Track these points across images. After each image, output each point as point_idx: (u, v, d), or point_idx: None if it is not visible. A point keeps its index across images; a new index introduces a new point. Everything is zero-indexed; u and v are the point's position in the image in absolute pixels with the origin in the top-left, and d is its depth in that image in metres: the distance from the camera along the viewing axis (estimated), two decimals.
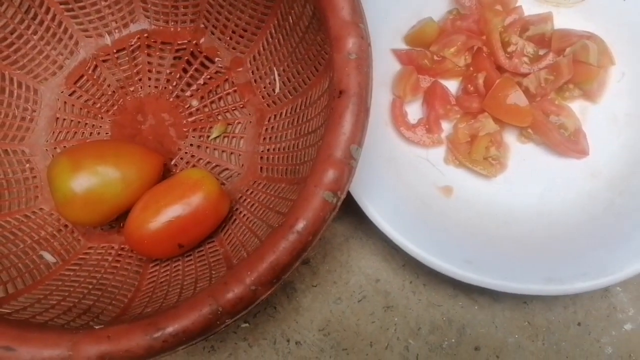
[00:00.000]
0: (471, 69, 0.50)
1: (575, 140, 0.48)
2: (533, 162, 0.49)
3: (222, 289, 0.34)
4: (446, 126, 0.50)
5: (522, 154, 0.49)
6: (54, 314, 0.39)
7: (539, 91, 0.48)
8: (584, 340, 0.45)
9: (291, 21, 0.45)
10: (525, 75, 0.49)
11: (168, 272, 0.45)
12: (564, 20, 0.51)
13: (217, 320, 0.34)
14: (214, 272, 0.42)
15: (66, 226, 0.48)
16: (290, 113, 0.47)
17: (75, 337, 0.34)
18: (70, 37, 0.52)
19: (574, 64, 0.48)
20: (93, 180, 0.43)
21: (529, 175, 0.48)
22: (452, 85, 0.51)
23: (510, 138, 0.49)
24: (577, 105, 0.50)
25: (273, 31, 0.48)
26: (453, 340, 0.46)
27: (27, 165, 0.50)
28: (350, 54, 0.37)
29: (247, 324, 0.47)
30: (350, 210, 0.45)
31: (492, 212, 0.47)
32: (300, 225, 0.35)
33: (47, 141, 0.51)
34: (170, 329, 0.34)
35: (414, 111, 0.50)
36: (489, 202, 0.47)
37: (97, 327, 0.35)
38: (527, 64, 0.49)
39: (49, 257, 0.46)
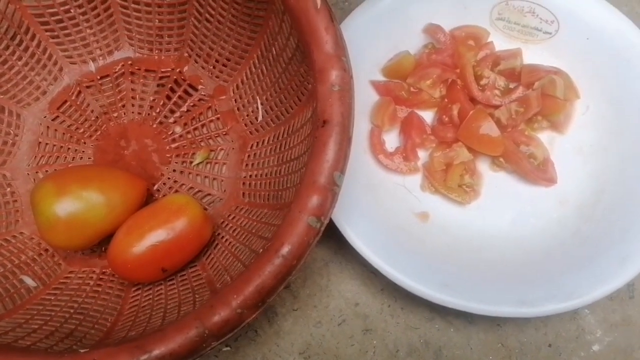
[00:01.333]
0: (446, 100, 0.52)
1: (544, 169, 0.50)
2: (504, 190, 0.51)
3: (208, 312, 0.35)
4: (422, 154, 0.52)
5: (494, 181, 0.51)
6: (36, 338, 0.39)
7: (509, 122, 0.50)
8: None
9: (274, 52, 0.47)
10: (496, 107, 0.51)
11: (150, 296, 0.45)
12: (531, 55, 0.54)
13: (203, 343, 0.35)
14: (197, 296, 0.43)
15: (47, 250, 0.48)
16: (273, 140, 0.49)
17: None
18: (55, 64, 0.52)
19: (542, 97, 0.50)
20: (77, 205, 0.43)
21: (501, 202, 0.50)
22: (427, 116, 0.53)
23: (483, 166, 0.52)
24: (545, 136, 0.52)
25: (256, 61, 0.50)
26: None
27: (8, 189, 0.50)
28: (333, 85, 0.39)
29: (228, 348, 0.48)
30: (330, 235, 0.46)
31: (466, 237, 0.49)
32: (285, 249, 0.36)
33: (28, 165, 0.51)
34: (156, 352, 0.34)
35: (392, 140, 0.52)
36: (463, 228, 0.49)
37: (82, 351, 0.35)
38: (499, 97, 0.51)
39: (29, 282, 0.46)
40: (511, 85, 0.52)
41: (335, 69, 0.39)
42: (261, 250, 0.39)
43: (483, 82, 0.51)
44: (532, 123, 0.52)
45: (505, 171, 0.51)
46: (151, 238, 0.43)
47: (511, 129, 0.51)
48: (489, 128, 0.49)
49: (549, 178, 0.50)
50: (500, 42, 0.54)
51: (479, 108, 0.50)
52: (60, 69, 0.53)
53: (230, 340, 0.48)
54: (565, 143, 0.52)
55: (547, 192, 0.51)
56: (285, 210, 0.42)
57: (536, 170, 0.50)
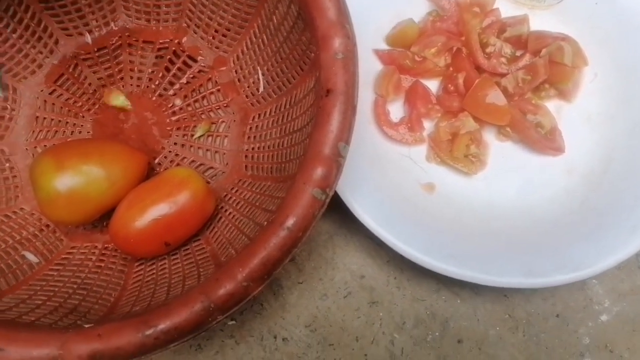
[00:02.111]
0: (451, 69, 0.51)
1: (552, 138, 0.49)
2: (511, 160, 0.50)
3: (213, 286, 0.35)
4: (427, 125, 0.51)
5: (500, 151, 0.50)
6: (40, 313, 0.39)
7: (516, 91, 0.49)
8: (563, 331, 0.47)
9: (275, 21, 0.46)
10: (503, 75, 0.50)
11: (154, 271, 0.45)
12: (539, 22, 0.52)
13: (209, 317, 0.35)
14: (202, 270, 0.42)
15: (48, 226, 0.48)
16: (275, 112, 0.48)
17: (64, 336, 0.34)
18: (50, 36, 0.51)
19: (549, 64, 0.49)
20: (77, 179, 0.43)
21: (508, 172, 0.50)
22: (432, 85, 0.52)
23: (489, 136, 0.51)
24: (552, 105, 0.51)
25: (257, 31, 0.48)
26: (437, 334, 0.47)
27: (7, 164, 0.49)
28: (337, 53, 0.38)
29: (233, 322, 0.48)
30: (334, 208, 0.45)
31: (473, 208, 0.48)
32: (290, 221, 0.35)
33: (27, 140, 0.50)
34: (162, 326, 0.34)
35: (396, 110, 0.51)
36: (469, 199, 0.48)
37: (86, 326, 0.35)
38: (505, 65, 0.50)
39: (31, 257, 0.45)
40: (517, 53, 0.51)
41: (339, 36, 0.38)
42: (265, 223, 0.39)
43: (489, 49, 0.50)
44: (539, 91, 0.51)
45: (512, 141, 0.51)
46: (153, 212, 0.42)
47: (518, 97, 0.50)
48: (495, 97, 0.48)
49: (556, 147, 0.49)
50: (506, 9, 0.53)
51: (485, 76, 0.49)
52: (56, 42, 0.52)
53: (235, 314, 0.48)
54: (572, 111, 0.51)
55: (554, 162, 0.50)
56: (290, 182, 0.41)
57: (544, 140, 0.49)
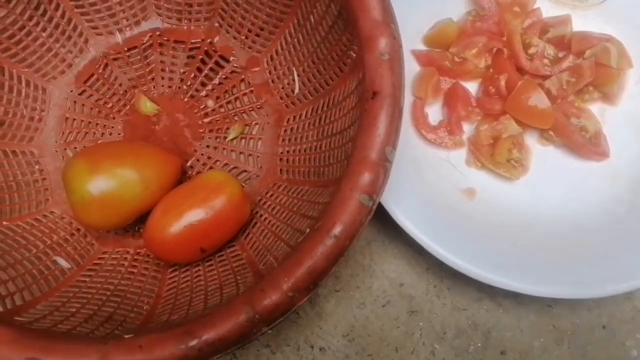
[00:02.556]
0: (492, 70, 0.49)
1: (597, 142, 0.48)
2: (554, 165, 0.49)
3: (258, 296, 0.33)
4: (467, 128, 0.49)
5: (543, 156, 0.49)
6: (75, 322, 0.38)
7: (560, 93, 0.48)
8: (610, 343, 0.45)
9: (313, 20, 0.45)
10: (546, 77, 0.48)
11: (189, 278, 0.43)
12: (581, 22, 0.51)
13: (253, 328, 0.33)
14: (239, 278, 0.41)
15: (78, 230, 0.47)
16: (311, 114, 0.46)
17: (104, 347, 0.33)
18: (80, 35, 0.50)
19: (594, 66, 0.48)
20: (111, 183, 0.41)
21: (551, 177, 0.48)
22: (472, 87, 0.50)
23: (531, 140, 0.49)
24: (596, 108, 0.50)
25: (292, 30, 0.47)
26: (479, 345, 0.45)
27: (37, 166, 0.48)
28: (382, 54, 0.37)
29: (270, 330, 0.46)
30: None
31: (515, 214, 0.46)
32: (337, 229, 0.34)
33: (56, 142, 0.49)
34: (205, 337, 0.32)
35: (435, 113, 0.50)
36: (512, 204, 0.47)
37: (127, 337, 0.34)
38: (548, 66, 0.48)
39: (63, 263, 0.44)
40: (560, 55, 0.50)
41: (384, 36, 0.37)
42: (308, 230, 0.37)
43: (531, 50, 0.49)
44: (582, 94, 0.49)
45: (555, 145, 0.49)
46: (189, 217, 0.41)
47: (561, 100, 0.49)
48: (538, 99, 0.47)
49: (601, 152, 0.48)
50: (546, 9, 0.51)
51: (527, 78, 0.48)
52: (86, 41, 0.50)
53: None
54: (617, 115, 0.50)
55: (598, 167, 0.48)
56: (331, 187, 0.40)
57: (588, 144, 0.47)
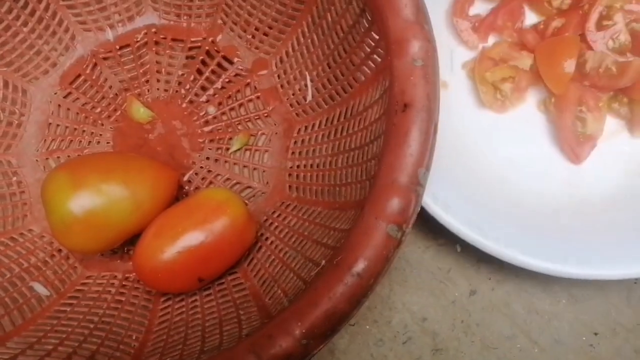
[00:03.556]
0: (555, 12, 0.46)
1: (581, 143, 0.44)
2: (531, 133, 0.46)
3: (266, 343, 0.28)
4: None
5: (533, 121, 0.46)
6: None
7: (592, 74, 0.43)
8: None
9: (330, 19, 0.39)
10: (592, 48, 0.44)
11: (184, 309, 0.38)
12: None
13: None
14: (242, 313, 0.36)
15: (60, 251, 0.41)
16: (326, 125, 0.41)
17: None
18: (66, 31, 0.45)
19: None
20: (97, 200, 0.36)
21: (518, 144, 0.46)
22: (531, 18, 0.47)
23: (531, 98, 0.46)
24: (613, 123, 0.45)
25: (306, 29, 0.42)
26: None
27: (14, 178, 0.43)
28: (415, 60, 0.32)
29: None
30: None
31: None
32: (361, 266, 0.29)
33: (37, 150, 0.44)
34: None
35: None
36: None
37: None
38: (607, 47, 0.44)
39: (40, 289, 0.39)
40: (630, 47, 0.45)
41: (417, 39, 0.32)
42: (324, 261, 0.32)
43: (605, 23, 0.44)
44: (612, 101, 0.45)
45: (547, 116, 0.46)
46: (186, 241, 0.36)
47: (588, 83, 0.44)
48: (567, 62, 0.43)
49: (576, 154, 0.44)
50: None
51: (574, 36, 0.44)
52: (73, 37, 0.45)
53: None
54: (624, 146, 0.45)
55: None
56: (349, 211, 0.35)
57: (572, 137, 0.43)
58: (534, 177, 0.44)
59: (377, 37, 0.35)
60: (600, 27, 0.44)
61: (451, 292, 0.43)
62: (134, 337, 0.37)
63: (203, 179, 0.43)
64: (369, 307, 0.42)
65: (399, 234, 0.30)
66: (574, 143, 0.44)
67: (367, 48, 0.36)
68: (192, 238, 0.36)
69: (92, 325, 0.37)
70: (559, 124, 0.45)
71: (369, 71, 0.37)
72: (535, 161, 0.45)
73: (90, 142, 0.44)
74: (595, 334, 0.42)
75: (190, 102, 0.45)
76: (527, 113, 0.46)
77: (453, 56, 0.47)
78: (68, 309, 0.38)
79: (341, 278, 0.29)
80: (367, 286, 0.29)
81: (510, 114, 0.46)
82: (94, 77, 0.45)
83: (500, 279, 0.43)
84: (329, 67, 0.41)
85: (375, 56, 0.36)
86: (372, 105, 0.36)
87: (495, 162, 0.44)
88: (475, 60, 0.46)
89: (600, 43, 0.44)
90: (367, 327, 0.42)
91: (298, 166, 0.42)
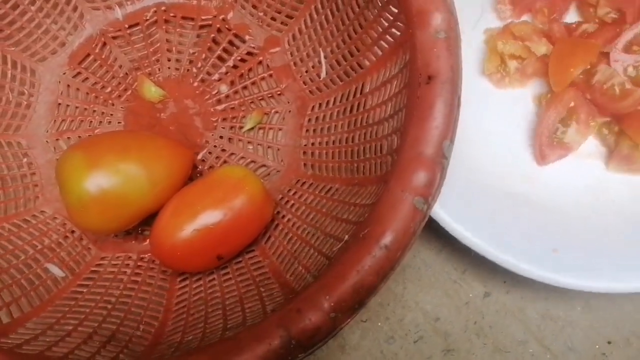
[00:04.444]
0: (597, 20, 0.46)
1: (553, 146, 0.43)
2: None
3: (295, 317, 0.28)
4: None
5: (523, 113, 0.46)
6: (73, 344, 0.32)
7: (595, 87, 0.43)
8: None
9: None
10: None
11: (202, 289, 0.38)
12: None
13: (288, 356, 0.28)
14: (263, 290, 0.35)
15: (73, 232, 0.41)
16: (341, 102, 0.41)
17: None
18: (74, 9, 0.44)
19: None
20: (114, 180, 0.35)
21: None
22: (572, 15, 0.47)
23: (531, 88, 0.46)
24: (593, 146, 0.45)
25: (319, 6, 0.41)
26: None
27: (25, 159, 0.42)
28: (437, 32, 0.31)
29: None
30: None
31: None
32: (388, 238, 0.29)
33: (47, 131, 0.43)
34: None
35: None
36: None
37: None
38: (624, 71, 0.43)
39: (56, 271, 0.39)
40: None
41: (439, 10, 0.31)
42: (347, 236, 0.32)
43: (635, 48, 0.43)
44: (604, 126, 0.44)
45: (536, 111, 0.46)
46: (205, 219, 0.35)
47: (589, 96, 0.43)
48: (578, 65, 0.43)
49: (543, 154, 0.43)
50: None
51: (596, 45, 0.44)
52: (81, 16, 0.44)
53: None
54: (595, 170, 0.44)
55: None
56: (370, 186, 0.34)
57: (547, 136, 0.43)
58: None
59: (395, 10, 0.34)
60: (627, 49, 0.43)
61: (465, 293, 0.42)
62: (154, 317, 0.36)
63: (217, 158, 0.43)
64: (382, 303, 0.42)
65: (425, 206, 0.29)
66: (546, 143, 0.43)
67: (384, 22, 0.36)
68: (211, 216, 0.36)
69: (109, 306, 0.37)
70: (542, 118, 0.44)
71: (386, 45, 0.36)
72: (501, 147, 0.45)
73: (101, 122, 0.43)
74: (609, 342, 0.41)
75: (202, 80, 0.44)
76: (520, 99, 0.46)
77: (481, 18, 0.47)
78: (84, 290, 0.38)
79: (369, 251, 0.28)
80: (395, 259, 0.29)
81: (504, 92, 0.46)
82: (103, 57, 0.44)
83: (516, 282, 0.43)
84: (344, 43, 0.40)
85: (393, 30, 0.35)
86: (391, 79, 0.35)
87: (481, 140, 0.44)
88: (498, 29, 0.46)
89: (619, 64, 0.43)
90: (379, 324, 0.42)
91: (313, 144, 0.42)
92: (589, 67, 0.43)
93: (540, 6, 0.46)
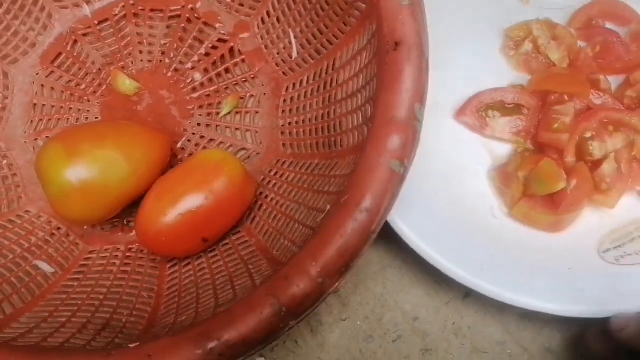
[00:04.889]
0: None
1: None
2: None
3: (283, 285, 0.29)
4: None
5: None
6: (68, 333, 0.33)
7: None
8: None
9: None
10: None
11: (192, 273, 0.38)
12: None
13: (280, 323, 0.28)
14: (252, 267, 0.36)
15: (59, 229, 0.41)
16: (314, 80, 0.41)
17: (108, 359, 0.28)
18: (42, 9, 0.44)
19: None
20: (93, 167, 0.36)
21: None
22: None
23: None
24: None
25: None
26: None
27: (4, 161, 0.42)
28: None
29: (262, 358, 0.41)
30: (387, 234, 0.39)
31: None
32: (368, 201, 0.29)
33: (25, 132, 0.43)
34: (226, 338, 0.28)
35: None
36: None
37: (131, 346, 0.29)
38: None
39: (45, 267, 0.39)
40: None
41: None
42: (329, 206, 0.33)
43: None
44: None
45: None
46: (188, 203, 0.36)
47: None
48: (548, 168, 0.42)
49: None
50: None
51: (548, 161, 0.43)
52: (50, 16, 0.44)
53: (265, 351, 0.41)
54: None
55: None
56: (349, 157, 0.35)
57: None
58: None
59: None
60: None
61: (446, 293, 0.43)
62: (146, 303, 0.37)
63: (196, 145, 0.43)
64: (361, 302, 0.42)
65: (401, 169, 0.30)
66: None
67: None
68: (194, 199, 0.36)
69: (101, 297, 0.37)
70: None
71: (354, 19, 0.37)
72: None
73: (78, 119, 0.43)
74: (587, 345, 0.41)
75: (176, 70, 0.44)
76: (491, 57, 0.47)
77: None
78: (75, 284, 0.38)
79: (351, 215, 0.29)
80: (376, 221, 0.30)
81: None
82: (75, 54, 0.45)
83: None
84: (312, 22, 0.41)
85: (359, 2, 0.36)
86: (361, 51, 0.36)
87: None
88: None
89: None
90: (359, 323, 0.42)
91: (290, 124, 0.42)
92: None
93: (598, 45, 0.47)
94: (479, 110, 0.45)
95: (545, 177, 0.42)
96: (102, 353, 0.28)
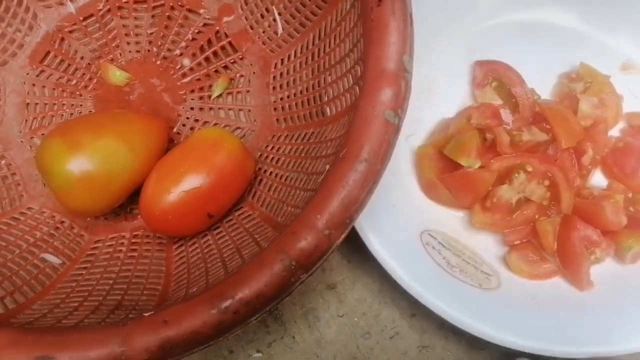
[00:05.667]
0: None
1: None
2: None
3: (291, 240, 0.29)
4: None
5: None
6: (81, 315, 0.33)
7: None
8: None
9: None
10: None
11: (199, 250, 0.39)
12: None
13: (291, 277, 0.29)
14: (257, 236, 0.37)
15: (63, 222, 0.41)
16: (302, 52, 0.42)
17: (124, 329, 0.28)
18: (27, 10, 0.44)
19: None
20: (95, 158, 0.36)
21: None
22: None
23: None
24: None
25: None
26: None
27: (3, 161, 0.43)
28: None
29: (260, 354, 0.41)
30: None
31: None
32: (367, 152, 0.30)
33: (20, 132, 0.43)
34: (240, 296, 0.28)
35: None
36: None
37: (146, 314, 0.29)
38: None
39: (52, 259, 0.39)
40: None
41: None
42: (328, 166, 0.33)
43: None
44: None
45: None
46: (189, 179, 0.36)
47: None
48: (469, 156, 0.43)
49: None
50: None
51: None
52: (35, 16, 0.45)
53: (262, 346, 0.42)
54: None
55: None
56: (343, 118, 0.36)
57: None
58: None
59: None
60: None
61: None
62: (156, 282, 0.37)
63: (191, 128, 0.44)
64: (359, 299, 0.43)
65: (396, 119, 0.31)
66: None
67: None
68: (196, 175, 0.37)
69: (111, 282, 0.37)
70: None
71: None
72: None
73: (72, 113, 0.44)
74: None
75: (164, 58, 0.45)
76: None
77: None
78: (84, 272, 0.38)
79: (351, 167, 0.30)
80: (376, 171, 0.30)
81: None
82: (63, 52, 0.45)
83: None
84: None
85: None
86: (345, 17, 0.37)
87: None
88: None
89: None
90: (356, 319, 0.42)
91: (282, 99, 0.43)
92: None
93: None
94: None
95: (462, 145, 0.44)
96: (119, 324, 0.28)
